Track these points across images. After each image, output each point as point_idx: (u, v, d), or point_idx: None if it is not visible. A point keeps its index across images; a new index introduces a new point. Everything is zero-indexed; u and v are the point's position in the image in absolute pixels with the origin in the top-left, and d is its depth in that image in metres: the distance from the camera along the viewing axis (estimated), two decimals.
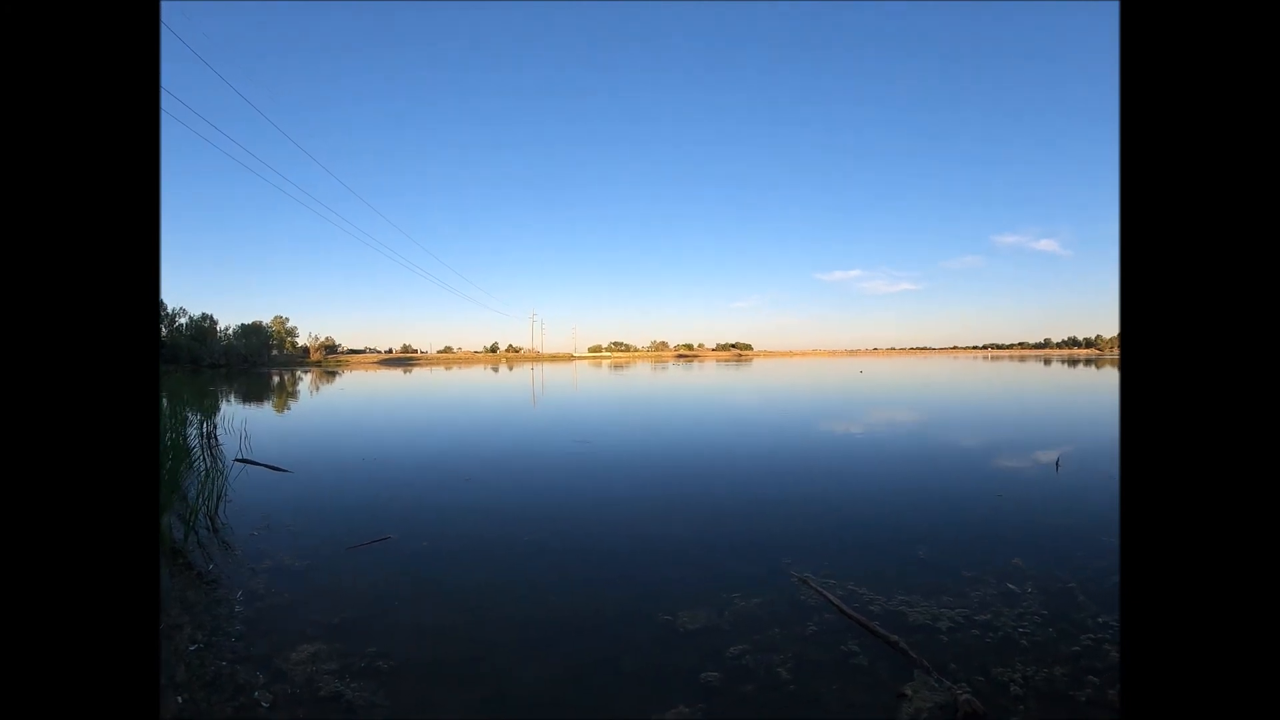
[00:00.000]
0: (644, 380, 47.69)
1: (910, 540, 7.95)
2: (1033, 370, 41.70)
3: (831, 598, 6.08)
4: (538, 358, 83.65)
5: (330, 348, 59.66)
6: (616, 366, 65.76)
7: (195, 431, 10.80)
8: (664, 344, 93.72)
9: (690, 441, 17.32)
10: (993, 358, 73.30)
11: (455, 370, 56.42)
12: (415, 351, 73.66)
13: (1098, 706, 4.11)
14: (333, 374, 44.22)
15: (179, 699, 4.35)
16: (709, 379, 49.33)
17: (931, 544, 7.74)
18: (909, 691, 4.43)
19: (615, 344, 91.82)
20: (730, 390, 38.52)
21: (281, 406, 23.46)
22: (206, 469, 8.88)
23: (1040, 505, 9.61)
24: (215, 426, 12.36)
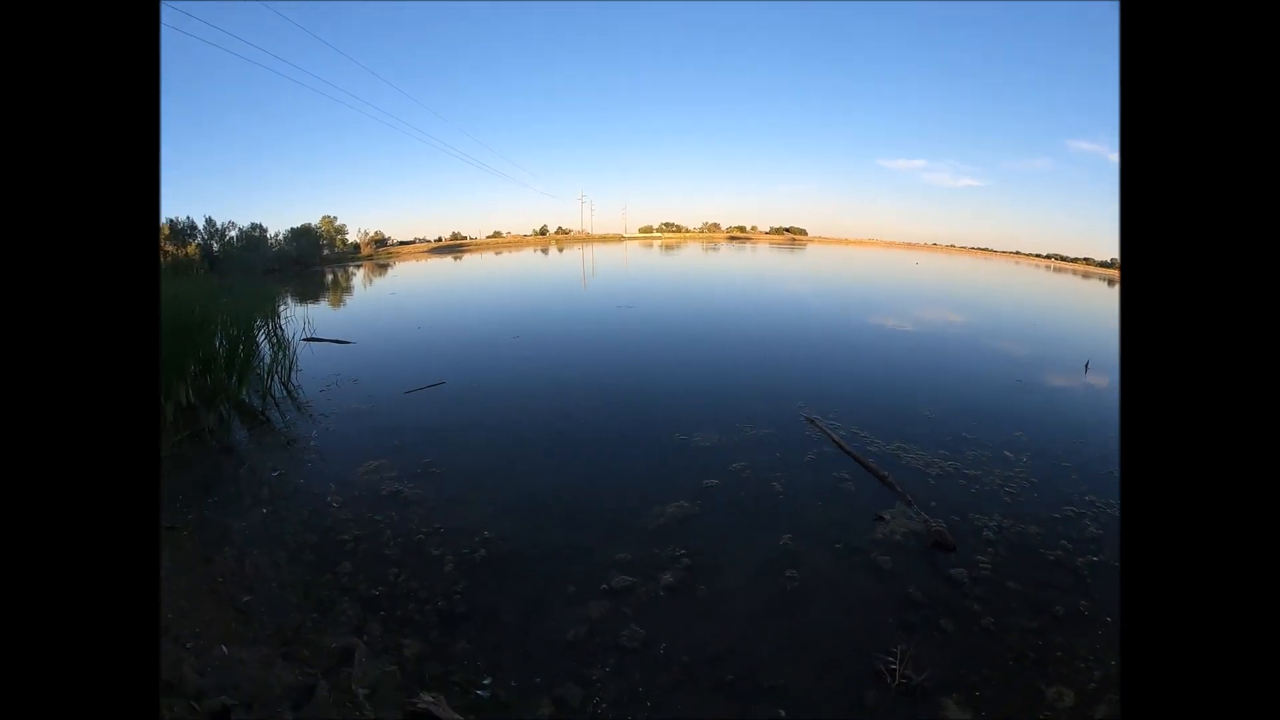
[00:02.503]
0: (693, 260, 48.09)
1: (919, 402, 8.64)
2: (1094, 289, 40.40)
3: (833, 435, 6.87)
4: (588, 239, 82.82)
5: (380, 241, 60.60)
6: (667, 247, 65.59)
7: (260, 324, 11.66)
8: (715, 225, 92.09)
9: (728, 310, 18.28)
10: (1056, 269, 70.19)
11: (505, 254, 57.70)
12: (465, 238, 74.34)
13: (1063, 569, 4.55)
14: (384, 266, 45.29)
15: (263, 510, 5.44)
16: (757, 261, 49.33)
17: (939, 407, 8.37)
18: (887, 516, 5.19)
19: (666, 225, 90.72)
20: (776, 271, 38.85)
21: (337, 299, 24.50)
22: (275, 348, 9.95)
23: (1058, 398, 9.91)
24: (279, 316, 13.29)
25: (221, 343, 9.05)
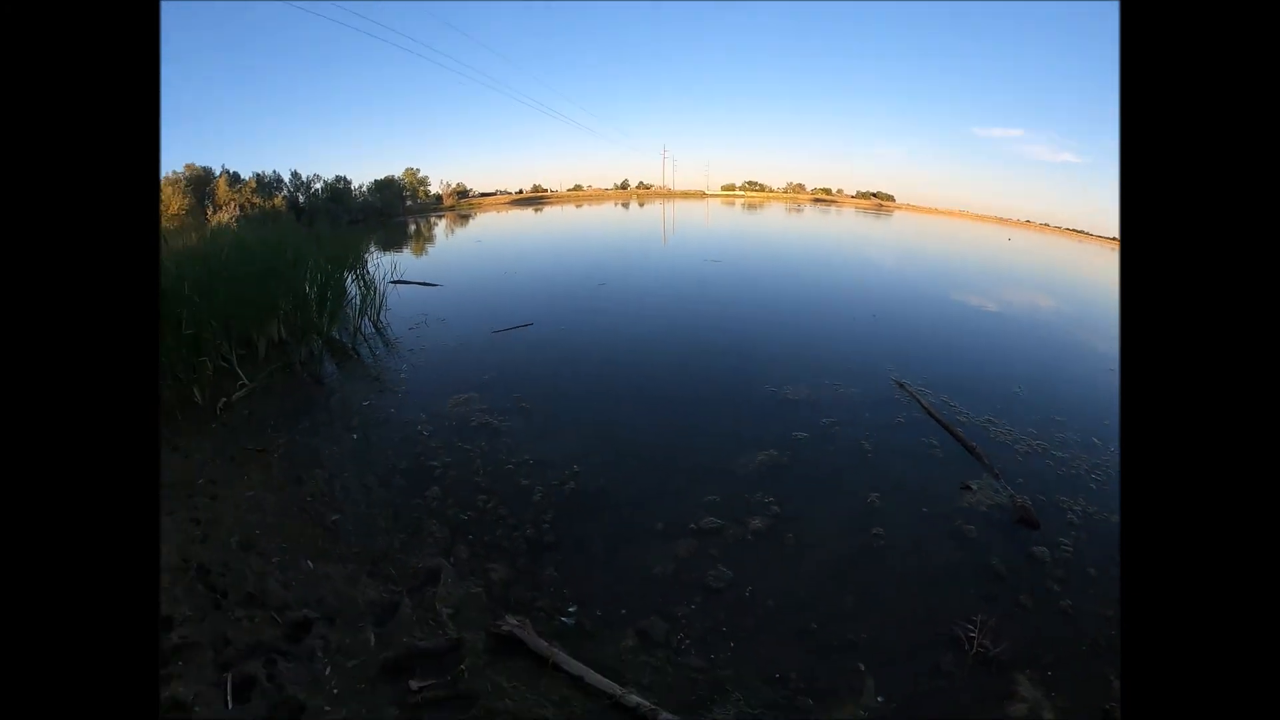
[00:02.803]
0: (777, 220, 47.28)
1: (1011, 379, 8.25)
2: None
3: (921, 401, 6.72)
4: (669, 194, 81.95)
5: (462, 193, 61.33)
6: (750, 206, 64.74)
7: (349, 267, 12.07)
8: (800, 186, 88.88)
9: (814, 272, 17.89)
10: None
11: (586, 207, 58.00)
12: (545, 191, 74.48)
13: None
14: (466, 217, 45.99)
15: (353, 437, 5.65)
16: (843, 225, 48.09)
17: (1032, 387, 8.00)
18: (973, 486, 5.08)
19: (749, 183, 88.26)
20: (862, 236, 37.90)
21: (421, 248, 24.91)
22: (364, 289, 10.25)
23: None
24: (366, 261, 13.68)
25: (312, 282, 9.37)
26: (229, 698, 3.03)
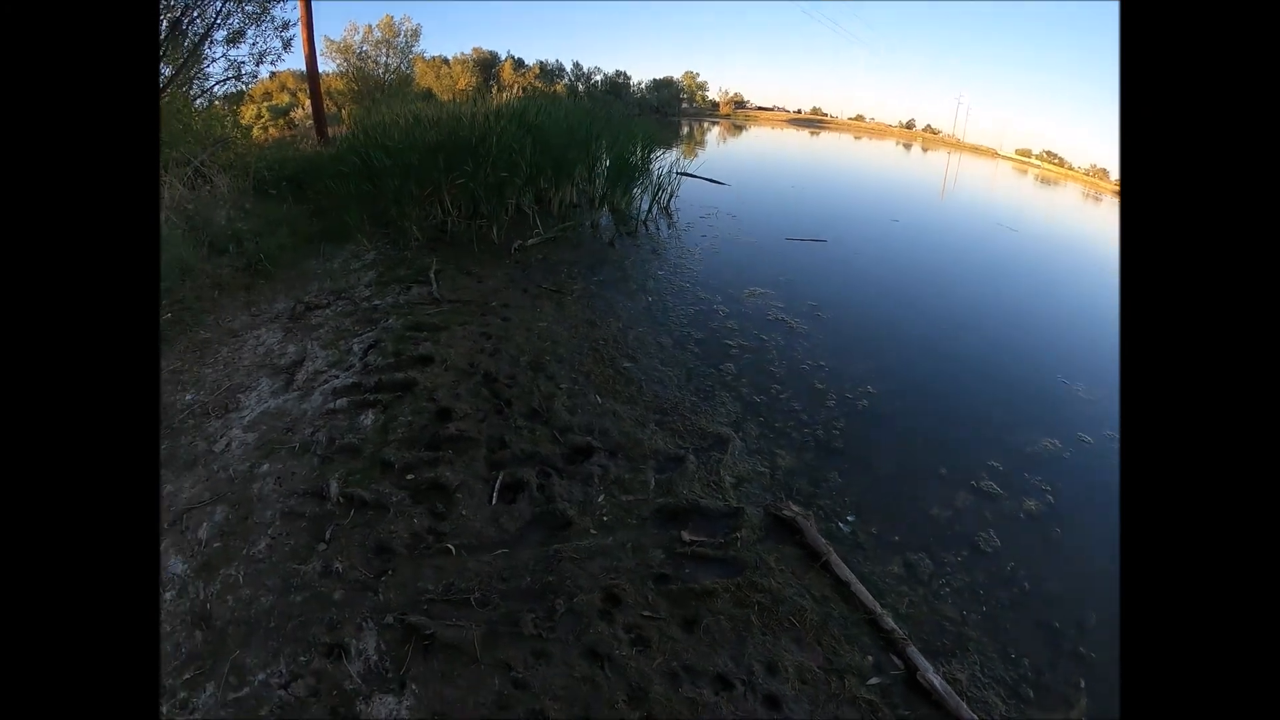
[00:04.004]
0: (1073, 204, 43.39)
1: None
2: None
3: None
4: (956, 145, 75.74)
5: (739, 103, 60.74)
6: (1043, 180, 59.20)
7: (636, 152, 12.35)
8: (1104, 172, 78.05)
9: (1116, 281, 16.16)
10: None
11: (864, 139, 55.12)
12: (825, 115, 71.57)
13: None
14: (740, 127, 45.82)
15: (649, 299, 5.96)
16: None
17: None
18: None
19: (1047, 154, 79.08)
20: None
21: (691, 151, 24.90)
22: (652, 175, 10.48)
23: None
24: (650, 150, 13.82)
25: (602, 160, 9.88)
26: (494, 494, 3.31)
